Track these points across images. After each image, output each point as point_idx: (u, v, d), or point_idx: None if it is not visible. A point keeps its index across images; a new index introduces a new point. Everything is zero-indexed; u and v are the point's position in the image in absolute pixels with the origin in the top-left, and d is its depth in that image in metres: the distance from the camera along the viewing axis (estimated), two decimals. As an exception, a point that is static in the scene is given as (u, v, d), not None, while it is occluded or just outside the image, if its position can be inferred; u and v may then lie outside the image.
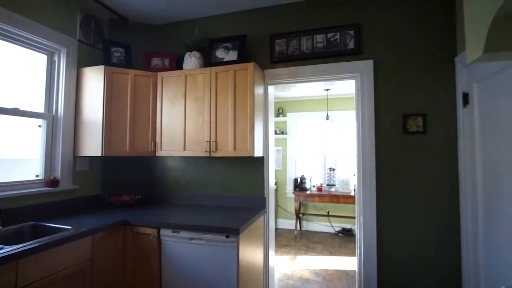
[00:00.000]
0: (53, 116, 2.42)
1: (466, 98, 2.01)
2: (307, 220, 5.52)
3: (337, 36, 2.47)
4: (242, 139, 2.37)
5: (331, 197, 4.73)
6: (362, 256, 2.33)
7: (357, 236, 2.41)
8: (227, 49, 2.60)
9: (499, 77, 1.59)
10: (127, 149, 2.51)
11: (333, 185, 5.09)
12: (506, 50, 1.03)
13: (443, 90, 2.21)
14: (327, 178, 5.28)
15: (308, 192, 4.95)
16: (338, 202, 4.73)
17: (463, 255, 2.06)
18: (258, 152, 2.44)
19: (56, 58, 2.45)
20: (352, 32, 2.43)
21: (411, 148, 2.26)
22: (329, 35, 2.49)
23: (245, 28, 2.76)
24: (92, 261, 1.93)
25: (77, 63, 2.56)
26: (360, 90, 2.40)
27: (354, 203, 4.15)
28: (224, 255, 1.97)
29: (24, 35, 2.15)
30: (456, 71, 2.15)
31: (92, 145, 2.45)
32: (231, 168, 2.75)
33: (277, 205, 5.73)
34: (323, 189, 5.06)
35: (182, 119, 2.55)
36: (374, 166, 2.32)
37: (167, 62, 2.82)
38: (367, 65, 2.38)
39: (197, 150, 2.49)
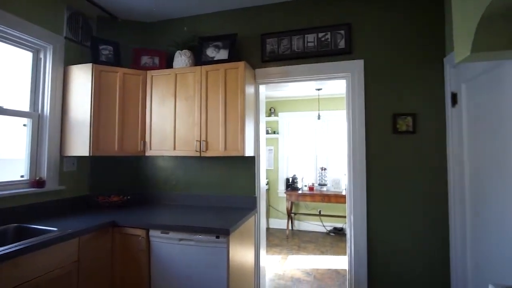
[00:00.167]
0: (38, 115, 2.36)
1: (454, 98, 2.03)
2: (298, 220, 5.53)
3: (328, 36, 2.47)
4: (232, 138, 2.35)
5: (323, 197, 4.75)
6: (353, 255, 2.34)
7: (348, 235, 2.42)
8: (218, 47, 2.57)
9: (487, 78, 1.61)
10: (116, 148, 2.47)
11: (325, 185, 5.11)
12: (493, 50, 1.03)
13: (432, 90, 2.23)
14: (318, 178, 5.30)
15: (299, 191, 4.96)
16: (329, 201, 4.75)
17: (452, 252, 2.08)
18: (249, 152, 2.42)
19: (42, 56, 2.39)
20: (342, 32, 2.44)
21: (401, 148, 2.28)
22: (320, 34, 2.49)
23: (236, 27, 2.74)
24: (78, 264, 1.88)
25: (64, 60, 2.50)
26: (350, 89, 2.40)
27: (345, 203, 4.17)
28: (214, 256, 1.95)
29: (8, 31, 2.08)
30: (445, 71, 2.17)
31: (80, 144, 2.40)
32: (222, 168, 2.73)
33: (269, 205, 5.73)
34: (314, 188, 5.08)
35: (172, 118, 2.52)
36: (364, 165, 2.33)
37: (157, 60, 2.78)
38: (358, 65, 2.39)
39: (187, 149, 2.46)
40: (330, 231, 5.24)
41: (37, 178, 2.29)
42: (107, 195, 2.76)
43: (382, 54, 2.36)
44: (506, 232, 1.43)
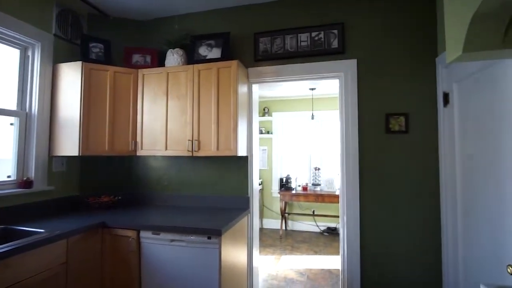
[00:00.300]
0: (26, 113, 2.31)
1: (446, 98, 2.04)
2: (292, 220, 5.53)
3: (321, 35, 2.46)
4: (225, 138, 2.33)
5: (316, 197, 4.75)
6: (346, 255, 2.34)
7: (341, 235, 2.41)
8: (211, 46, 2.55)
9: (478, 77, 1.62)
10: (106, 148, 2.43)
11: (318, 185, 5.11)
12: (485, 50, 1.03)
13: (424, 90, 2.24)
14: (312, 178, 5.30)
15: (293, 191, 4.96)
16: (323, 201, 4.76)
17: (444, 252, 2.09)
18: (241, 152, 2.40)
19: (30, 53, 2.33)
20: (336, 32, 2.43)
21: (394, 147, 2.28)
22: (314, 34, 2.48)
23: (229, 26, 2.71)
24: (67, 265, 1.84)
25: (53, 58, 2.45)
26: (343, 89, 2.40)
27: (338, 202, 4.17)
28: (206, 257, 1.93)
29: (-6, 28, 2.03)
30: (437, 71, 2.18)
31: (69, 144, 2.35)
32: (214, 168, 2.70)
33: (262, 205, 5.71)
34: (308, 188, 5.08)
35: (163, 117, 2.49)
36: (357, 165, 2.33)
37: (148, 59, 2.74)
38: (351, 64, 2.39)
39: (179, 149, 2.43)
40: (323, 231, 5.25)
41: (25, 179, 2.24)
42: (98, 195, 2.71)
43: (374, 53, 2.36)
44: (496, 231, 1.44)
